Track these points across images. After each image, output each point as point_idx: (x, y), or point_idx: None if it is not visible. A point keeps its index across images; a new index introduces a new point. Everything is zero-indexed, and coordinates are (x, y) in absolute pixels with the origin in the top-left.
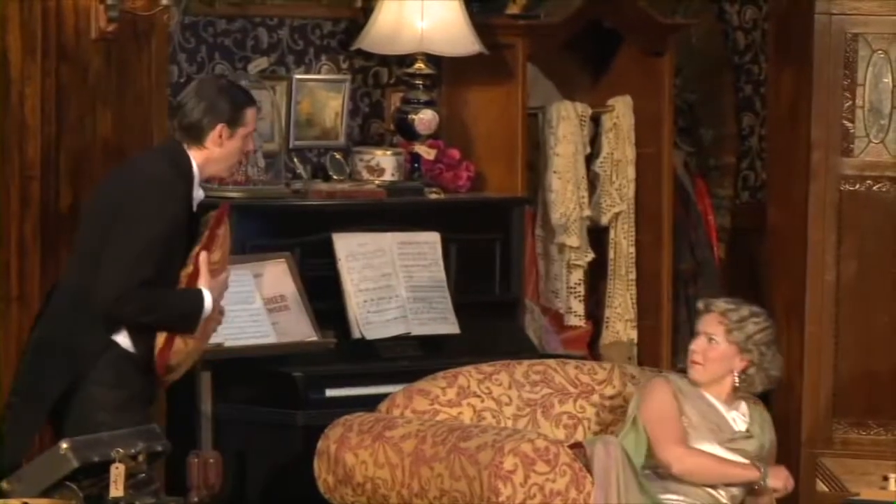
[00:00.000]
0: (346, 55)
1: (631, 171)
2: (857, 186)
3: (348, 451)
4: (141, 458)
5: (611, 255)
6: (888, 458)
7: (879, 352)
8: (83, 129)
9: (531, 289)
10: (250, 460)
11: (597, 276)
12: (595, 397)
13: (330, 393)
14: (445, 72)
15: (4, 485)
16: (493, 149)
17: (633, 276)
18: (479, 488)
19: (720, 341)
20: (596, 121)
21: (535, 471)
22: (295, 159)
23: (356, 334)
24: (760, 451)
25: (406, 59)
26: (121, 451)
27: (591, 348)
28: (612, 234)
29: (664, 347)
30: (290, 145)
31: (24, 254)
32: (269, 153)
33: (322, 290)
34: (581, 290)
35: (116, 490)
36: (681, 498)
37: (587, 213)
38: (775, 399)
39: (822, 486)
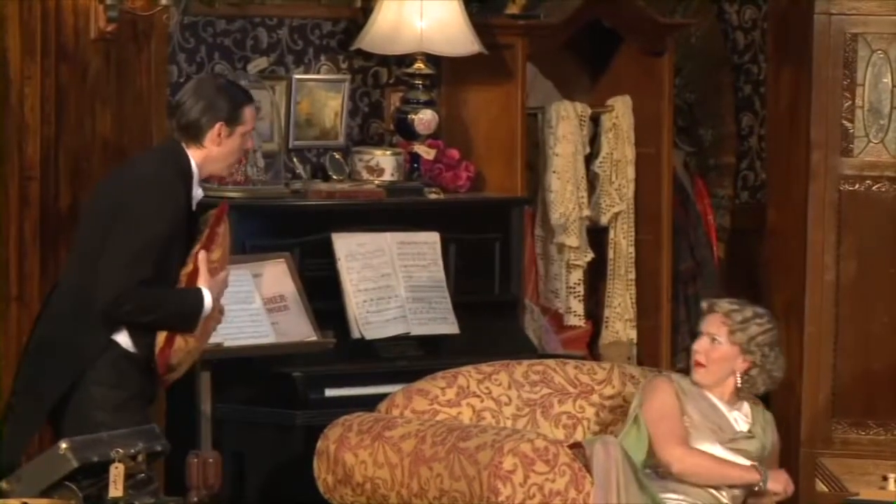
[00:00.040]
0: (345, 55)
1: (630, 171)
2: (857, 186)
3: (348, 451)
4: (140, 458)
5: (610, 255)
6: (887, 458)
7: (879, 352)
8: (82, 129)
9: (531, 289)
10: (250, 460)
11: (596, 276)
12: (594, 397)
13: (329, 393)
14: (445, 72)
15: (4, 485)
16: (492, 149)
17: (632, 276)
18: (478, 488)
19: (723, 342)
20: (595, 121)
21: (535, 471)
22: (294, 159)
23: (355, 334)
24: (762, 451)
25: (405, 59)
26: (120, 451)
27: (591, 348)
28: (611, 234)
29: (663, 347)
30: (290, 145)
31: (24, 254)
32: (269, 153)
33: (321, 290)
34: (580, 290)
35: (116, 490)
36: (681, 497)
37: (586, 213)
38: (775, 399)
39: (821, 486)
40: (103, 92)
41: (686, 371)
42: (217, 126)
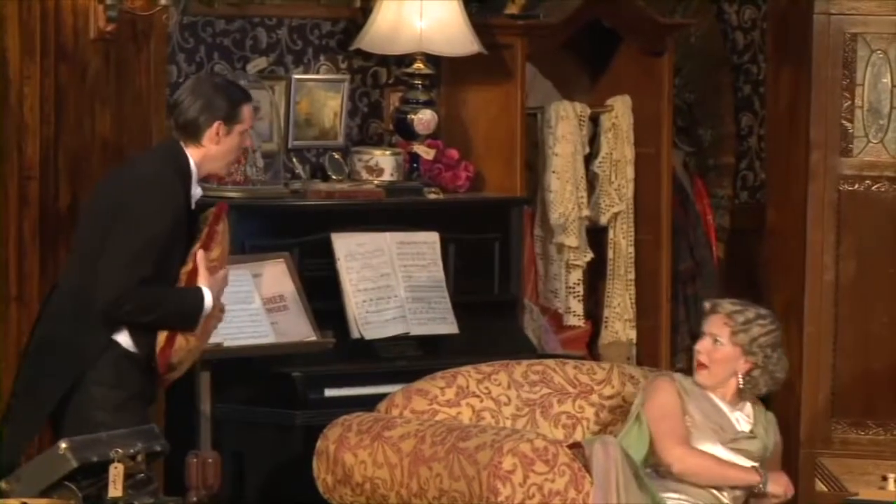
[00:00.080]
0: (344, 55)
1: (630, 171)
2: (856, 186)
3: (347, 451)
4: (140, 458)
5: (610, 254)
6: (887, 458)
7: (878, 352)
8: (82, 129)
9: (530, 289)
10: (249, 460)
11: (596, 275)
12: (594, 397)
13: (329, 393)
14: (444, 72)
15: (3, 485)
16: (491, 149)
17: (631, 275)
18: (478, 488)
19: (725, 343)
20: (595, 121)
21: (534, 471)
22: (294, 159)
23: (355, 334)
24: (764, 452)
25: (405, 59)
26: (120, 451)
27: (590, 348)
28: (610, 233)
29: (663, 347)
30: (289, 145)
31: (23, 254)
32: (268, 153)
33: (321, 290)
34: (580, 289)
35: (115, 490)
36: (682, 497)
37: (586, 212)
38: (774, 399)
39: (821, 486)
40: (103, 92)
41: (686, 371)
42: (215, 125)
